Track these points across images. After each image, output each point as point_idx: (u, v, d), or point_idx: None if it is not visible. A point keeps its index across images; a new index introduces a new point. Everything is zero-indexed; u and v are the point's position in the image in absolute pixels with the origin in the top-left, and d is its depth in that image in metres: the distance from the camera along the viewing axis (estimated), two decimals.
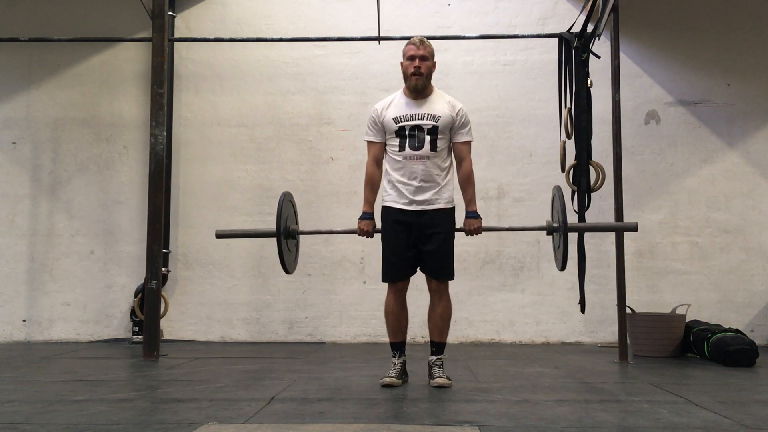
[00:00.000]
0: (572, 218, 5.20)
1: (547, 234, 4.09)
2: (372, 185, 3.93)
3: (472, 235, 3.96)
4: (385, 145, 3.90)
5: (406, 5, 6.44)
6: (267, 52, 6.47)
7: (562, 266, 3.92)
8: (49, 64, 6.53)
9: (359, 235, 3.96)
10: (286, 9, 6.51)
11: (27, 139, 6.49)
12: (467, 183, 3.92)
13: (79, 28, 6.39)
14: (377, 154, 3.92)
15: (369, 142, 3.94)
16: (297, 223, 4.16)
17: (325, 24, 6.38)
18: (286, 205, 3.99)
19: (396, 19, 6.24)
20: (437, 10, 6.44)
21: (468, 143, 3.92)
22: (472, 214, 3.92)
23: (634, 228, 4.27)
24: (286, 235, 3.97)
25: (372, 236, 3.97)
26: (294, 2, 6.52)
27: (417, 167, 3.80)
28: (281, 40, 6.08)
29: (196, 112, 6.48)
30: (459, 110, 3.88)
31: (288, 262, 4.00)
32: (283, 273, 6.13)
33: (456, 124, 3.86)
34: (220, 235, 4.33)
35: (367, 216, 3.93)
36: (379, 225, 3.97)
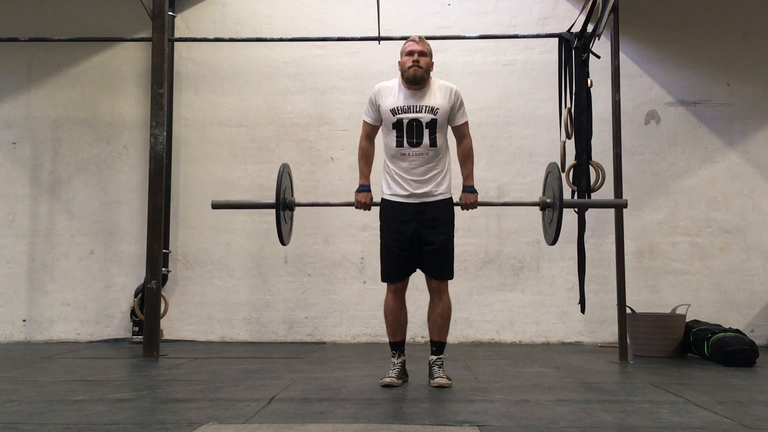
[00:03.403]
0: (572, 217, 5.23)
1: (540, 209, 4.13)
2: (366, 158, 3.97)
3: (468, 209, 3.99)
4: (380, 127, 3.92)
5: (406, 5, 6.44)
6: (267, 52, 6.47)
7: (554, 241, 3.96)
8: (49, 64, 6.53)
9: (356, 207, 3.98)
10: (286, 9, 6.51)
11: (27, 139, 6.49)
12: (467, 158, 3.96)
13: (79, 28, 6.40)
14: (370, 131, 3.97)
15: (364, 121, 3.97)
16: (293, 195, 4.20)
17: (325, 24, 6.38)
18: (285, 177, 4.03)
19: (396, 19, 6.24)
20: (437, 10, 6.44)
21: (466, 123, 3.94)
22: (469, 189, 3.96)
23: (624, 205, 4.46)
24: (284, 206, 4.01)
25: (369, 208, 3.98)
26: (294, 2, 6.52)
27: (416, 162, 3.80)
28: (281, 40, 6.08)
29: (196, 112, 6.48)
30: (454, 93, 3.87)
31: (284, 233, 4.06)
32: (283, 273, 6.27)
33: (453, 109, 3.87)
34: (216, 206, 4.39)
35: (364, 188, 3.95)
36: (376, 216, 3.97)
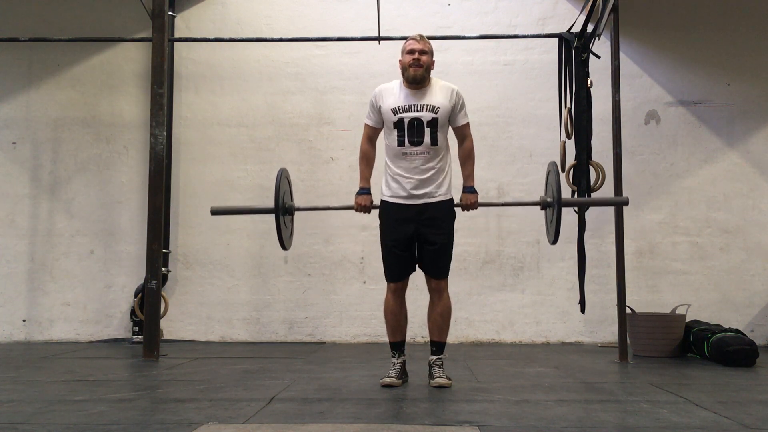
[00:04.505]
0: (572, 219, 5.23)
1: (541, 209, 4.15)
2: (367, 160, 3.97)
3: (468, 210, 4.00)
4: (381, 130, 3.92)
5: (406, 5, 6.44)
6: (267, 52, 6.47)
7: (554, 239, 3.99)
8: (49, 64, 6.53)
9: (356, 210, 3.97)
10: (286, 9, 6.51)
11: (27, 139, 6.49)
12: (468, 159, 3.96)
13: (79, 28, 6.40)
14: (371, 134, 3.97)
15: (365, 124, 3.98)
16: (292, 199, 4.19)
17: (325, 24, 6.38)
18: (283, 181, 4.03)
19: (396, 20, 6.24)
20: (437, 10, 6.44)
21: (467, 124, 3.94)
22: (469, 189, 3.97)
23: (625, 202, 4.42)
24: (284, 211, 4.01)
25: (369, 211, 3.98)
26: (294, 2, 6.52)
27: (417, 161, 3.80)
28: (281, 40, 6.08)
29: (196, 112, 6.48)
30: (455, 94, 3.87)
31: (285, 238, 4.05)
32: (283, 273, 6.28)
33: (454, 110, 3.87)
34: (215, 212, 4.37)
35: (365, 191, 3.96)
36: (376, 216, 3.97)
